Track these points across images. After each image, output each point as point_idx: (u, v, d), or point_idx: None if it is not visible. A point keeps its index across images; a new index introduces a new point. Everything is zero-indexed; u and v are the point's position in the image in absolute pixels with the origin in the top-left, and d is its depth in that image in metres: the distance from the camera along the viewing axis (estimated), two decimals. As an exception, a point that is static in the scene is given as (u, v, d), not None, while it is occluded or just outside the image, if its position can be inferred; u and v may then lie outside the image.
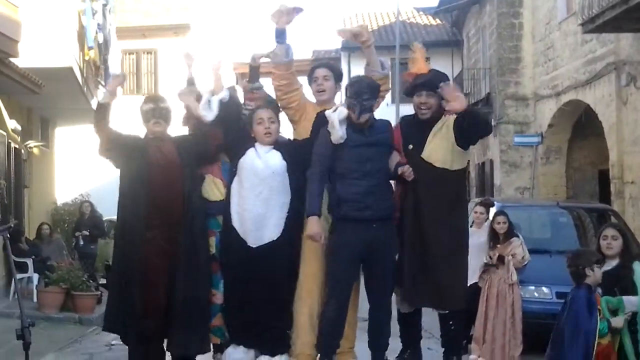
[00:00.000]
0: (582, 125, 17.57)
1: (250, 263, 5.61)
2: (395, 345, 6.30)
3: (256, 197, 5.62)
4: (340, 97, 6.14)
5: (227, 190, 5.77)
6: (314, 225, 5.43)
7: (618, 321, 5.48)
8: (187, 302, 5.48)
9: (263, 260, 5.60)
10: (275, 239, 5.65)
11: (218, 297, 5.75)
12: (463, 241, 5.97)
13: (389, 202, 5.67)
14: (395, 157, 5.76)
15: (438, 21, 28.29)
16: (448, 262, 5.74)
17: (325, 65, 6.08)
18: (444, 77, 6.05)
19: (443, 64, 25.92)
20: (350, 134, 5.58)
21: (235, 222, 5.68)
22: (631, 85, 13.19)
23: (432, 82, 5.81)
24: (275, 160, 5.69)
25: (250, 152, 5.70)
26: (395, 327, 6.21)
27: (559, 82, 17.18)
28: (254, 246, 5.63)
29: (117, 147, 5.60)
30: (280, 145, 5.80)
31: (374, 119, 5.73)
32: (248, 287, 5.63)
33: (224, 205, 5.75)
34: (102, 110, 5.69)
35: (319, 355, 5.63)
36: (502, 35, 19.52)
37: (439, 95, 5.75)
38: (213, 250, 5.78)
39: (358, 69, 26.03)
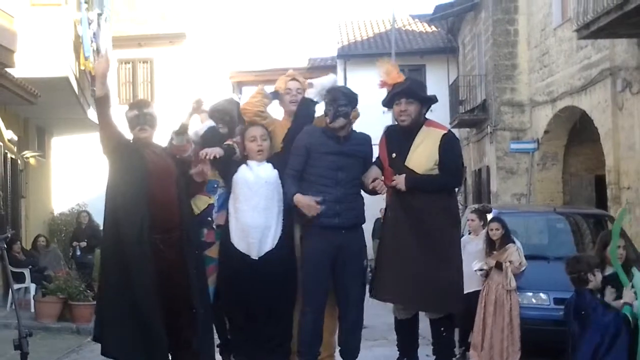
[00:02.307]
0: (578, 131, 17.58)
1: (254, 275, 5.65)
2: (392, 352, 6.31)
3: (254, 209, 5.68)
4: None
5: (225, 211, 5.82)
6: (303, 198, 5.56)
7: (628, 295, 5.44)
8: (201, 315, 5.45)
9: (265, 269, 5.64)
10: (274, 246, 5.70)
11: None
12: (456, 242, 6.01)
13: (358, 211, 5.77)
14: (374, 171, 5.82)
15: (434, 28, 28.31)
16: (446, 264, 5.75)
17: (297, 79, 6.21)
18: (420, 84, 6.22)
19: (439, 71, 26.05)
20: (325, 140, 5.69)
21: (235, 239, 5.72)
22: (627, 90, 13.19)
23: (410, 89, 5.86)
24: (266, 170, 5.79)
25: (242, 168, 5.78)
26: (392, 334, 6.22)
27: (554, 89, 17.21)
28: (256, 258, 5.67)
29: (119, 147, 5.54)
30: (271, 156, 5.88)
31: (353, 130, 5.87)
32: (251, 300, 5.67)
33: (223, 228, 5.81)
34: (100, 104, 5.58)
35: None
36: (497, 42, 19.54)
37: (417, 101, 5.81)
38: None
39: (354, 76, 26.18)
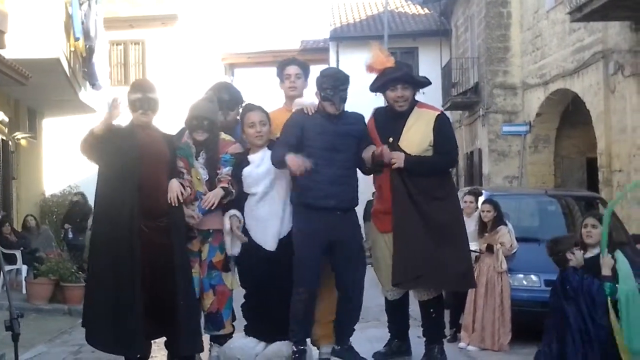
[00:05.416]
0: (570, 114, 17.60)
1: (271, 264, 5.74)
2: (384, 334, 6.32)
3: (269, 204, 5.77)
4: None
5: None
6: (294, 159, 5.43)
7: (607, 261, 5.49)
8: (187, 301, 5.46)
9: (280, 257, 5.73)
10: (286, 234, 5.78)
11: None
12: (461, 219, 6.08)
13: (353, 193, 5.75)
14: (371, 150, 5.81)
15: (426, 10, 28.22)
16: (453, 242, 5.78)
17: (297, 64, 6.19)
18: (411, 68, 6.36)
19: (431, 54, 25.96)
20: (319, 120, 5.69)
21: (252, 232, 5.78)
22: (619, 73, 13.20)
23: (408, 75, 5.88)
24: (269, 162, 5.78)
25: (247, 169, 5.77)
26: (384, 316, 6.23)
27: (547, 71, 17.20)
28: (273, 249, 5.77)
29: (105, 149, 5.48)
30: (271, 143, 5.87)
31: (345, 110, 5.87)
32: (269, 286, 5.77)
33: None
34: (95, 138, 5.48)
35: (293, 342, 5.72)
36: (490, 25, 19.49)
37: (411, 86, 5.83)
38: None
39: (347, 59, 25.99)
